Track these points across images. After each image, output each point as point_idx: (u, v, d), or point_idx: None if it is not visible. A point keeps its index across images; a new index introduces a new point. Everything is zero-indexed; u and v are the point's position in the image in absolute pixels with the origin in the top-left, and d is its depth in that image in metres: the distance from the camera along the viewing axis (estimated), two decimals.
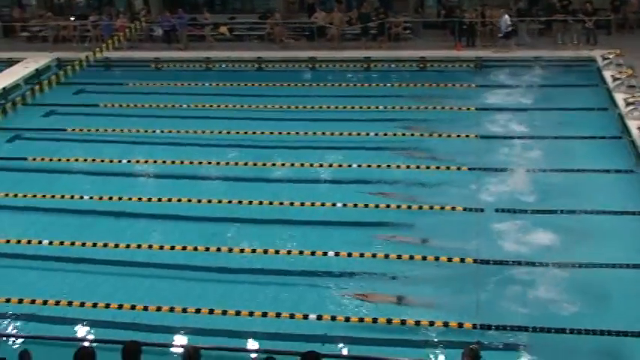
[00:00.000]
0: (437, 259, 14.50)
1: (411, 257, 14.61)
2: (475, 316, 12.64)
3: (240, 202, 17.29)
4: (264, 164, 19.47)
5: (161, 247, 15.51)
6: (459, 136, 20.48)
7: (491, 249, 14.78)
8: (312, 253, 14.93)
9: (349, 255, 14.81)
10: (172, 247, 15.45)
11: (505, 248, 14.85)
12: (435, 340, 12.39)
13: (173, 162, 19.85)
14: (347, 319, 12.87)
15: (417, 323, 12.61)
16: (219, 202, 17.40)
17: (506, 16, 28.05)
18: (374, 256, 14.77)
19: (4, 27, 33.30)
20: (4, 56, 30.12)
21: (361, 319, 12.84)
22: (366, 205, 16.83)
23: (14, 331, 13.10)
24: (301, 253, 14.99)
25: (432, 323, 12.56)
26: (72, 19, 32.91)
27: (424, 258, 14.55)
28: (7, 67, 28.83)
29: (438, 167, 18.68)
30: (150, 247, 15.55)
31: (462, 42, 28.46)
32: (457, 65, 27.36)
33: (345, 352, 12.29)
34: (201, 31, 31.14)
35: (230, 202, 17.34)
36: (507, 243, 15.06)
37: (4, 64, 29.17)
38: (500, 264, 14.29)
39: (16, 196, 18.23)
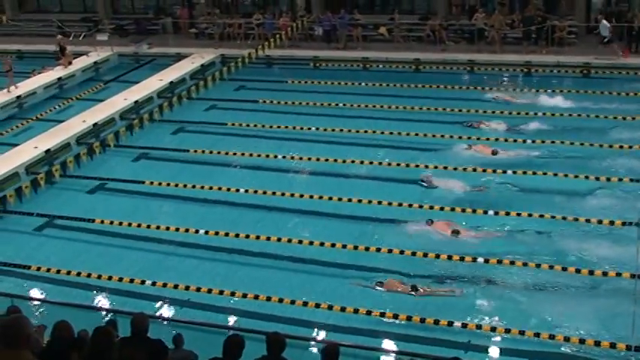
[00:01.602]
0: (591, 272, 13.99)
1: (564, 269, 14.12)
2: (631, 336, 12.00)
3: (390, 203, 17.27)
4: (417, 166, 19.33)
5: (311, 243, 15.77)
6: (621, 147, 19.57)
7: None
8: (461, 259, 14.74)
9: (499, 262, 14.53)
10: (322, 244, 15.66)
11: None
12: (585, 358, 11.95)
13: (327, 160, 20.12)
14: (493, 329, 12.65)
15: (567, 339, 12.18)
16: (370, 202, 17.45)
17: (604, 22, 26.90)
18: (525, 264, 14.38)
19: (173, 23, 34.85)
20: (173, 51, 31.63)
21: (507, 330, 12.56)
22: (530, 215, 16.34)
23: (169, 315, 13.72)
24: (450, 258, 14.82)
25: (582, 341, 12.11)
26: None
27: (577, 271, 14.04)
28: (176, 61, 30.23)
29: (597, 178, 17.92)
30: (300, 242, 15.87)
31: (632, 48, 27.11)
32: (624, 73, 26.08)
33: None
34: (360, 31, 31.29)
35: (380, 202, 17.35)
36: None
37: (173, 59, 30.61)
38: None
39: (177, 185, 19.08)
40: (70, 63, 30.13)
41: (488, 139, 20.74)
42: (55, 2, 39.45)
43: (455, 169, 18.96)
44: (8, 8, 38.84)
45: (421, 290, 13.91)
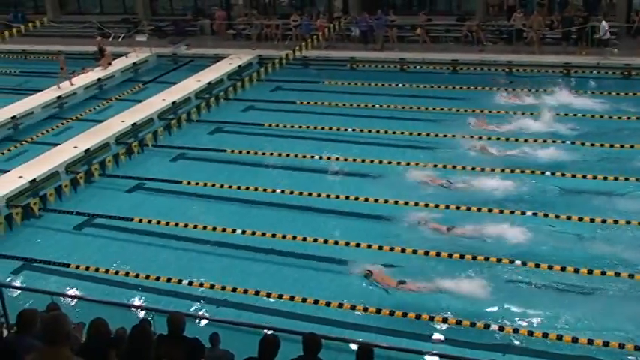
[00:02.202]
0: (631, 276, 13.84)
1: (617, 274, 13.98)
2: None
3: (426, 205, 17.15)
4: (454, 167, 19.18)
5: (347, 244, 15.72)
6: None
7: None
8: (499, 260, 14.63)
9: (537, 265, 14.38)
10: (358, 245, 15.62)
11: None
12: None
13: (363, 160, 20.05)
14: (530, 333, 12.52)
15: (606, 344, 12.01)
16: (406, 203, 17.35)
17: (604, 22, 27.14)
18: (563, 268, 14.20)
19: (211, 25, 35.08)
20: (211, 52, 31.85)
21: (545, 334, 12.43)
22: (569, 218, 16.14)
23: (205, 314, 13.78)
24: (474, 258, 14.75)
25: (621, 345, 11.94)
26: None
27: (617, 274, 13.92)
28: (213, 62, 30.42)
29: (638, 179, 17.68)
30: (336, 242, 15.85)
31: None
32: None
33: None
34: (397, 32, 31.18)
35: (417, 204, 17.24)
36: None
37: (211, 60, 30.80)
38: None
39: (214, 186, 19.18)
40: (109, 64, 30.47)
41: (526, 140, 20.52)
42: (95, 4, 39.97)
43: (492, 170, 18.77)
44: (49, 9, 39.43)
45: (407, 285, 14.09)
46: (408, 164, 19.61)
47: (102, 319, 8.21)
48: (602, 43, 27.43)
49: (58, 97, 27.28)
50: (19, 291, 14.12)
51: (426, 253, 15.11)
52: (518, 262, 14.55)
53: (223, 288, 14.44)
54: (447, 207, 17.03)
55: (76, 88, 28.20)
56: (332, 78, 28.13)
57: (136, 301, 14.38)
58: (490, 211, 16.71)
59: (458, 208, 16.97)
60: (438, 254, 15.04)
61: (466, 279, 14.14)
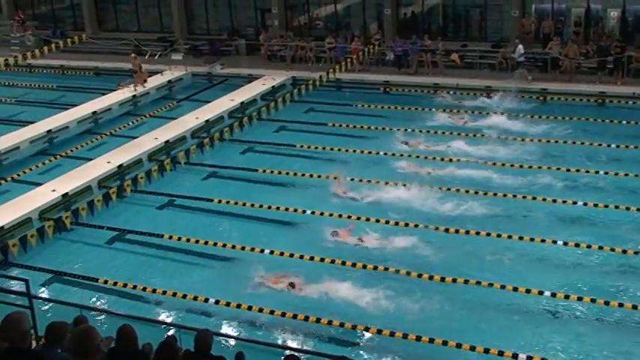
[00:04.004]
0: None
1: (606, 303, 13.81)
2: None
3: (472, 232, 17.11)
4: (476, 192, 19.09)
5: (373, 267, 15.64)
6: None
7: None
8: (527, 291, 14.51)
9: (554, 296, 14.22)
10: (375, 268, 15.61)
11: None
12: None
13: (395, 184, 19.83)
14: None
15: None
16: (426, 226, 17.29)
17: (520, 46, 28.55)
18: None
19: (246, 45, 35.41)
20: (245, 72, 32.10)
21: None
22: (478, 233, 16.15)
23: (232, 333, 13.85)
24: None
25: None
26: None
27: (635, 307, 13.89)
28: (247, 82, 30.64)
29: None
30: (364, 267, 15.77)
31: None
32: None
33: None
34: (432, 57, 31.18)
35: (444, 229, 17.20)
36: None
37: (245, 80, 31.04)
38: None
39: (244, 204, 19.20)
40: (144, 81, 30.73)
41: (559, 167, 20.43)
42: (133, 22, 40.45)
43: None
44: (88, 26, 40.02)
45: (297, 288, 14.94)
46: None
47: (129, 325, 8.20)
48: (515, 66, 28.88)
49: (93, 113, 27.60)
50: (48, 303, 14.25)
51: (466, 282, 15.04)
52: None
53: (249, 308, 14.43)
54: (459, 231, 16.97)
55: (111, 104, 28.54)
56: (365, 101, 28.08)
57: (163, 318, 14.44)
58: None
59: (481, 232, 16.90)
60: (452, 279, 15.10)
61: (357, 287, 14.63)
